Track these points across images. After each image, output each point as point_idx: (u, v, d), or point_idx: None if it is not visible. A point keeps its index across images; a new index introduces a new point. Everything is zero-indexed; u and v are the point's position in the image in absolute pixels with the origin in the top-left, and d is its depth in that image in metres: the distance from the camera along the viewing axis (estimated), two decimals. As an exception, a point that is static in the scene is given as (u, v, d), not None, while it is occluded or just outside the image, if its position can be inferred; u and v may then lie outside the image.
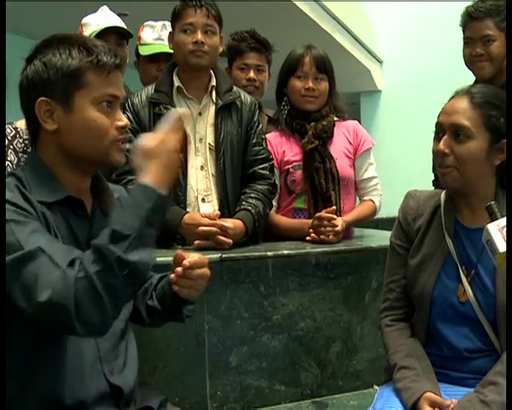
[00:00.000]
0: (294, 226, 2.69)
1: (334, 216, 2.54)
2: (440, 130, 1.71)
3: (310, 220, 2.60)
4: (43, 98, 1.41)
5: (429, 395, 1.60)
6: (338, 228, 2.52)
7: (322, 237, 2.52)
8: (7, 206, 1.31)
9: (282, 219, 2.74)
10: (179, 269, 1.50)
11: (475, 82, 2.76)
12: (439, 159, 1.70)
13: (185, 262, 1.48)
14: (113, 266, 1.25)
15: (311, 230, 2.55)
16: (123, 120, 1.48)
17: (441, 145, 1.68)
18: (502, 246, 1.46)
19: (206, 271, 1.53)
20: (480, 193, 1.71)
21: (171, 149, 1.38)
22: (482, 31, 2.66)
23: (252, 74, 3.07)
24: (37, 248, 1.27)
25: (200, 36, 2.47)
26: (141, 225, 1.29)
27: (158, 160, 1.35)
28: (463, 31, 2.75)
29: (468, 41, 2.72)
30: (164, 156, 1.36)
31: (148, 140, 1.38)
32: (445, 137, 1.68)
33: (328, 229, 2.52)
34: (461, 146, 1.66)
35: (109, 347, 1.50)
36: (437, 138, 1.72)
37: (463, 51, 2.76)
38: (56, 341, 1.40)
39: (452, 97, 1.74)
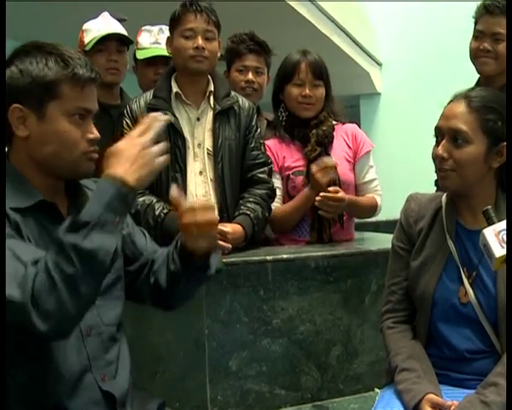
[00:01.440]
0: (299, 202, 2.68)
1: (338, 193, 2.56)
2: (439, 134, 1.72)
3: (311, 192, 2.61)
4: (16, 105, 1.42)
5: (431, 396, 1.60)
6: (340, 195, 2.55)
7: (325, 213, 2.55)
8: None
9: (286, 205, 2.73)
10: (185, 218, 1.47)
11: (478, 80, 2.76)
12: (437, 162, 1.71)
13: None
14: (70, 255, 1.24)
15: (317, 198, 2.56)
16: (94, 132, 1.48)
17: (440, 150, 1.69)
18: (498, 251, 1.46)
19: (212, 216, 1.49)
20: (480, 195, 1.72)
21: (142, 146, 1.35)
22: (494, 27, 2.63)
23: (250, 76, 3.04)
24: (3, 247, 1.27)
25: (200, 41, 2.48)
26: (102, 212, 1.28)
27: (125, 156, 1.33)
28: (475, 23, 2.71)
29: (477, 35, 2.68)
30: (132, 152, 1.34)
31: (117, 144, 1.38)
32: (444, 141, 1.69)
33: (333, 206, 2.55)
34: (459, 150, 1.66)
35: (100, 354, 1.49)
36: (436, 143, 1.73)
37: (470, 44, 2.72)
38: (43, 351, 1.39)
39: (451, 101, 1.75)
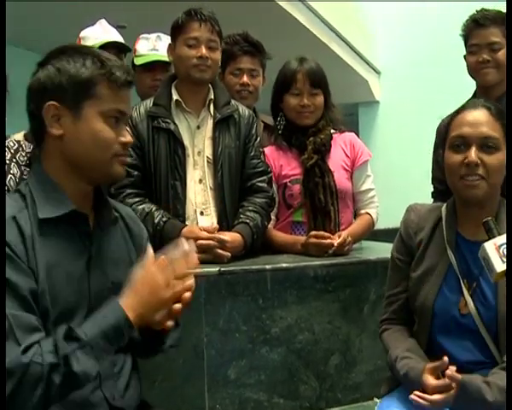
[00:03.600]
0: (287, 242, 2.70)
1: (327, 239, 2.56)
2: (463, 142, 1.70)
3: (302, 237, 2.62)
4: (52, 102, 1.42)
5: (428, 365, 1.62)
6: (339, 240, 2.54)
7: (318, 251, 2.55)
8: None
9: (275, 234, 2.74)
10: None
11: (475, 92, 2.77)
12: (467, 170, 1.68)
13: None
14: (60, 364, 1.28)
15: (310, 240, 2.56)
16: (127, 136, 1.50)
17: (473, 156, 1.67)
18: (498, 266, 1.47)
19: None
20: (485, 205, 1.72)
21: (159, 286, 1.40)
22: (489, 38, 2.66)
23: (245, 79, 3.02)
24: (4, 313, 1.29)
25: (204, 51, 2.49)
26: (96, 336, 1.33)
27: (137, 287, 1.39)
28: (466, 39, 2.74)
29: (473, 49, 2.70)
30: (145, 287, 1.39)
31: (146, 264, 1.43)
32: (474, 148, 1.68)
33: (324, 248, 2.54)
34: (491, 157, 1.68)
35: (110, 373, 1.49)
36: (455, 150, 1.71)
37: (467, 60, 2.74)
38: None
39: (460, 111, 1.75)
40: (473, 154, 1.68)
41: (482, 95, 2.61)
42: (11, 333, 1.28)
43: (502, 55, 2.64)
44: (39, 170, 1.49)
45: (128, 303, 1.38)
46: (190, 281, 1.46)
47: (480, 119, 1.70)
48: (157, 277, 1.41)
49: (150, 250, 1.48)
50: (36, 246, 1.38)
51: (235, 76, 3.03)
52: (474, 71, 2.72)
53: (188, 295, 1.44)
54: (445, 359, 1.58)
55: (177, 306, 1.44)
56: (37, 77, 1.46)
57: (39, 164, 1.49)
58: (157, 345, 1.62)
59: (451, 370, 1.56)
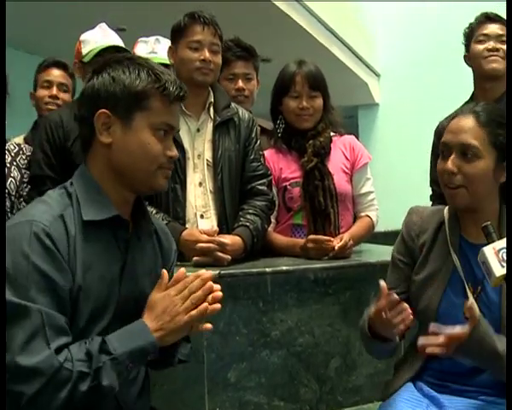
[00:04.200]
0: (287, 245, 2.70)
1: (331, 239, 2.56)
2: (446, 149, 1.71)
3: (302, 240, 2.62)
4: (104, 110, 1.44)
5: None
6: (341, 243, 2.53)
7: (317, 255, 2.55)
8: (40, 236, 1.34)
9: (275, 237, 2.74)
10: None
11: (473, 94, 2.78)
12: (446, 178, 1.70)
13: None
14: (90, 374, 1.31)
15: (309, 244, 2.56)
16: (173, 151, 1.51)
17: (449, 165, 1.68)
18: (497, 270, 1.47)
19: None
20: (485, 209, 1.72)
21: (177, 312, 1.42)
22: (498, 30, 2.76)
23: (240, 84, 3.05)
24: (37, 308, 1.30)
25: (207, 54, 2.50)
26: (124, 353, 1.35)
27: (163, 316, 1.42)
28: (472, 32, 2.81)
29: (481, 38, 2.77)
30: (168, 318, 1.42)
31: (163, 286, 1.47)
32: (453, 156, 1.68)
33: (324, 250, 2.54)
34: (469, 165, 1.67)
35: (125, 380, 1.48)
36: (442, 157, 1.72)
37: (474, 49, 2.79)
38: None
39: (454, 116, 1.75)
40: (449, 162, 1.68)
41: (478, 99, 2.62)
42: (42, 330, 1.29)
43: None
44: (85, 173, 1.50)
45: (152, 327, 1.40)
46: (217, 292, 1.49)
47: (463, 126, 1.69)
48: (176, 302, 1.43)
49: (165, 274, 1.50)
50: (77, 245, 1.40)
51: (230, 81, 3.06)
52: (481, 57, 2.76)
53: (216, 306, 1.48)
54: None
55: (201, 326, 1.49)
56: (91, 84, 1.48)
57: (85, 167, 1.51)
58: (167, 359, 1.63)
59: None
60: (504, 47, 2.73)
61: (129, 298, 1.50)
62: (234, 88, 3.04)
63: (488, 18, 2.80)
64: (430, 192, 2.82)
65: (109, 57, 1.53)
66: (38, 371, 1.26)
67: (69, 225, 1.40)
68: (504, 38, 2.74)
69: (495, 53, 2.73)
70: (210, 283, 1.47)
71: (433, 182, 2.73)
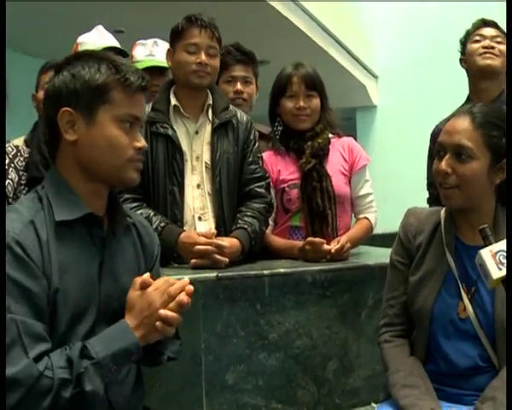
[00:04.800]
0: (285, 247, 2.70)
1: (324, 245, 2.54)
2: (441, 149, 1.72)
3: (300, 242, 2.61)
4: (66, 108, 1.43)
5: None
6: (337, 246, 2.53)
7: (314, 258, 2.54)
8: (11, 245, 1.32)
9: (273, 239, 2.74)
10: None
11: (468, 98, 2.79)
12: (440, 178, 1.71)
13: (183, 298, 1.47)
14: (71, 380, 1.30)
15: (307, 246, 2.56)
16: (141, 141, 1.50)
17: (443, 165, 1.69)
18: (495, 273, 1.47)
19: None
20: (480, 211, 1.73)
21: (156, 308, 1.42)
22: (493, 32, 2.81)
23: (239, 87, 3.05)
24: (13, 319, 1.29)
25: (204, 57, 2.50)
26: (106, 357, 1.35)
27: (142, 313, 1.42)
28: (468, 36, 2.86)
29: (478, 38, 2.82)
30: (147, 313, 1.42)
31: (142, 285, 1.46)
32: (447, 156, 1.69)
33: (322, 253, 2.53)
34: (463, 166, 1.67)
35: (116, 380, 1.49)
36: (438, 158, 1.73)
37: (470, 48, 2.83)
38: None
39: (451, 117, 1.75)
40: (443, 162, 1.69)
41: (473, 101, 2.63)
42: (19, 340, 1.28)
43: (503, 47, 2.76)
44: (55, 173, 1.49)
45: (133, 326, 1.40)
46: (189, 287, 1.47)
47: (458, 127, 1.70)
48: (154, 298, 1.43)
49: (147, 273, 1.50)
50: (51, 249, 1.39)
51: (229, 84, 3.06)
52: (476, 55, 2.80)
53: (184, 298, 1.45)
54: None
55: (174, 315, 1.45)
56: (52, 83, 1.47)
57: (55, 168, 1.50)
58: (155, 358, 1.63)
59: None
60: (500, 47, 2.76)
61: (111, 297, 1.50)
62: (232, 90, 3.05)
63: (485, 23, 2.86)
64: (428, 195, 2.83)
65: (69, 55, 1.51)
66: (17, 381, 1.25)
67: (40, 230, 1.38)
68: (499, 39, 2.78)
69: (490, 50, 2.77)
70: (186, 279, 1.48)
71: (430, 185, 2.75)
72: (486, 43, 2.78)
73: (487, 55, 2.76)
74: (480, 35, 2.82)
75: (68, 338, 1.39)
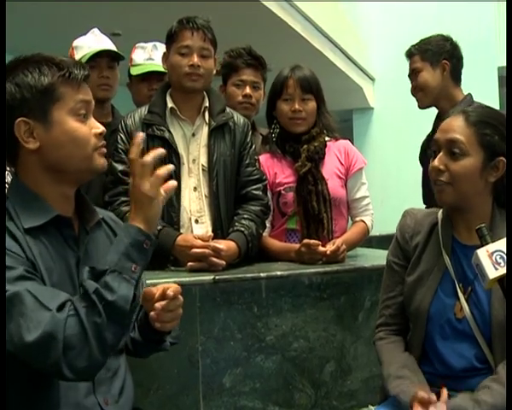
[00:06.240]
0: (282, 250, 2.69)
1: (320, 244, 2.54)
2: (436, 147, 1.73)
3: (296, 245, 2.61)
4: (21, 119, 1.42)
5: (420, 393, 1.60)
6: (333, 248, 2.53)
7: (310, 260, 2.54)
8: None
9: (270, 242, 2.74)
10: (159, 305, 1.49)
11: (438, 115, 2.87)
12: (434, 175, 1.72)
13: (169, 292, 1.48)
14: (95, 301, 1.28)
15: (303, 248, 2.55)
16: (99, 127, 1.51)
17: (436, 162, 1.70)
18: (491, 273, 1.48)
19: (181, 298, 1.53)
20: (476, 211, 1.73)
21: (145, 189, 1.40)
22: (412, 66, 3.10)
23: (248, 91, 3.03)
24: (24, 290, 1.28)
25: (196, 59, 2.48)
26: (119, 260, 1.33)
27: (136, 202, 1.40)
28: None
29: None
30: (137, 197, 1.40)
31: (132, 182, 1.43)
32: (441, 154, 1.70)
33: (317, 255, 2.53)
34: (456, 163, 1.68)
35: (104, 378, 1.49)
36: (433, 156, 1.74)
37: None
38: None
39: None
40: (436, 159, 1.71)
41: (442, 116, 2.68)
42: (36, 303, 1.28)
43: (420, 77, 3.01)
44: (17, 183, 1.49)
45: (132, 218, 1.39)
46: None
47: (451, 124, 1.72)
48: (140, 182, 1.40)
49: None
50: (33, 253, 1.39)
51: (238, 87, 3.04)
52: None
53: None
54: (434, 397, 1.59)
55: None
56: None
57: (16, 178, 1.50)
58: (158, 343, 1.64)
59: (443, 397, 1.58)
60: (417, 80, 3.00)
61: None
62: (241, 94, 3.03)
63: (407, 55, 3.13)
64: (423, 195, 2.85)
65: (7, 64, 1.49)
66: (50, 336, 1.25)
67: (14, 231, 1.39)
68: (416, 71, 3.00)
69: (414, 90, 3.04)
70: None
71: (423, 197, 2.82)
72: (412, 84, 3.03)
73: (417, 95, 3.04)
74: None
75: None
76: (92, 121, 1.51)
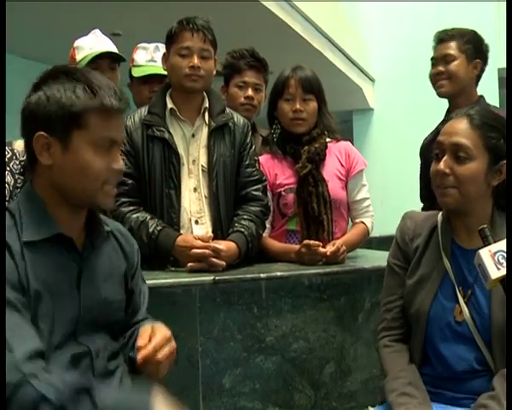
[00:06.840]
0: (282, 251, 2.70)
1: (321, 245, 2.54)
2: (440, 150, 1.72)
3: (296, 246, 2.61)
4: (41, 133, 1.41)
5: None
6: (333, 249, 2.53)
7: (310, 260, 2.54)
8: None
9: (270, 243, 2.74)
10: (140, 358, 1.50)
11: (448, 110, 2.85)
12: (438, 179, 1.71)
13: (139, 359, 1.48)
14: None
15: (303, 249, 2.55)
16: (119, 162, 1.48)
17: (441, 165, 1.69)
18: (494, 273, 1.48)
19: (171, 346, 1.55)
20: (477, 214, 1.73)
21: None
22: (444, 51, 2.89)
23: (250, 92, 3.04)
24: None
25: (196, 60, 2.48)
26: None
27: None
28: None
29: (432, 62, 2.96)
30: None
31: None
32: (446, 157, 1.69)
33: (317, 256, 2.53)
34: (461, 166, 1.68)
35: (102, 378, 1.49)
36: (436, 159, 1.73)
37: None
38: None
39: (443, 122, 1.76)
40: (442, 163, 1.70)
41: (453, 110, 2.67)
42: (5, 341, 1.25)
43: (454, 66, 2.84)
44: (30, 189, 1.48)
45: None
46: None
47: (456, 127, 1.71)
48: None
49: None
50: (27, 269, 1.37)
51: (240, 89, 3.05)
52: (432, 83, 2.95)
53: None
54: None
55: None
56: (28, 102, 1.44)
57: (30, 184, 1.49)
58: None
59: None
60: (449, 67, 2.83)
61: (92, 305, 1.49)
62: (243, 96, 3.04)
63: (438, 39, 2.93)
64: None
65: (47, 72, 1.47)
66: (8, 385, 1.21)
67: (13, 247, 1.37)
68: (449, 58, 2.84)
69: (440, 77, 2.87)
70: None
71: (422, 197, 2.81)
72: (437, 69, 2.87)
73: (438, 82, 2.88)
74: (433, 58, 2.92)
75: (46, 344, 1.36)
76: (115, 156, 1.47)
